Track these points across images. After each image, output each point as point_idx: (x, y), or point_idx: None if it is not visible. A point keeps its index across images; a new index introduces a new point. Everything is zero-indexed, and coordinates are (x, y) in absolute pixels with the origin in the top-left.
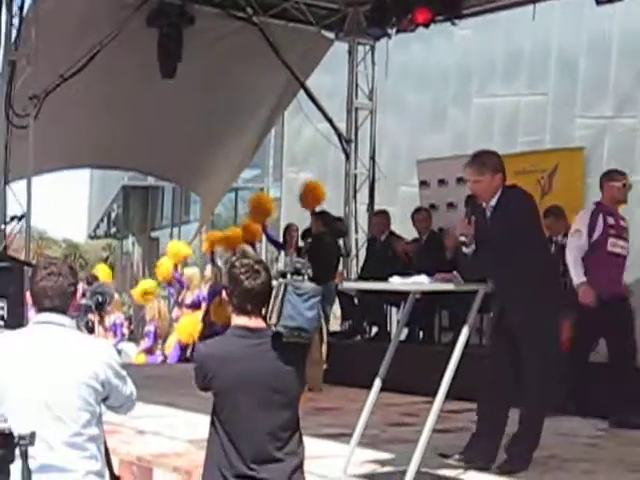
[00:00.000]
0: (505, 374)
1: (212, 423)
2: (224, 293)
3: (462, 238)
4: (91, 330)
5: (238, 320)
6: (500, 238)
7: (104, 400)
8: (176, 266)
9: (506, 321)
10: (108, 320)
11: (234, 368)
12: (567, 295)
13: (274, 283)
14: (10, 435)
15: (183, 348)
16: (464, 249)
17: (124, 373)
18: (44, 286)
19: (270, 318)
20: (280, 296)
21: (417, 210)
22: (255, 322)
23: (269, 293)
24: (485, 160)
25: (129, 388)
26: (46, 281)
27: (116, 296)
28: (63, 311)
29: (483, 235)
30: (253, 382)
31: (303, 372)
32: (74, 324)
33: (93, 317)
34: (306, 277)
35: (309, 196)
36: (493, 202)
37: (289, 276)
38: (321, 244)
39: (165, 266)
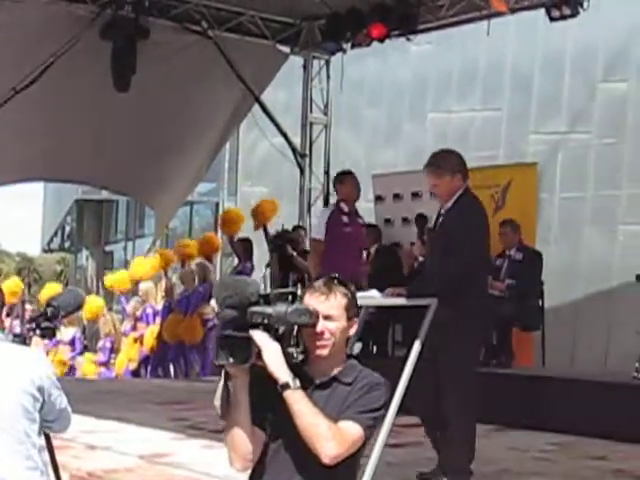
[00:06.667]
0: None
1: None
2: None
3: (421, 258)
4: (26, 344)
5: None
6: (443, 246)
7: (40, 410)
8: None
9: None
10: (66, 334)
11: None
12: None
13: None
14: None
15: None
16: None
17: (59, 385)
18: None
19: None
20: None
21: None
22: None
23: None
24: (441, 162)
25: (64, 401)
26: None
27: None
28: None
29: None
30: None
31: None
32: (4, 337)
33: (28, 332)
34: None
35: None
36: (450, 204)
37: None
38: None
39: (123, 278)
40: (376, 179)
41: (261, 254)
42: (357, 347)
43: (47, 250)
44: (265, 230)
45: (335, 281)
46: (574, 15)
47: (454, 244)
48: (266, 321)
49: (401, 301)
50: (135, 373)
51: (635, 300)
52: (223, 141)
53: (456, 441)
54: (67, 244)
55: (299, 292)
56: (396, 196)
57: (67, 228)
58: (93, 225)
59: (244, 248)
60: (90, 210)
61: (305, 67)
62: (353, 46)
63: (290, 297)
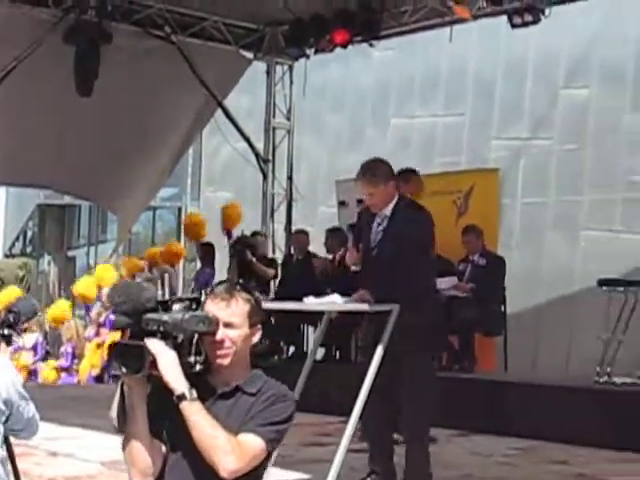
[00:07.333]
0: (386, 394)
1: None
2: None
3: (354, 267)
4: None
5: None
6: (394, 251)
7: (5, 421)
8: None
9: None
10: (28, 339)
11: None
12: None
13: None
14: None
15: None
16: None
17: (26, 394)
18: None
19: None
20: None
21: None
22: None
23: None
24: (375, 171)
25: (31, 410)
26: None
27: None
28: None
29: (375, 247)
30: None
31: None
32: None
33: None
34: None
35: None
36: (388, 211)
37: None
38: None
39: (86, 285)
40: (340, 184)
41: (222, 259)
42: (320, 352)
43: (9, 255)
44: (229, 235)
45: (238, 286)
46: (536, 22)
47: (411, 248)
48: (162, 329)
49: (362, 307)
50: (98, 379)
51: (596, 305)
52: (186, 146)
53: (415, 447)
54: (29, 249)
55: (203, 298)
56: (359, 201)
57: (29, 233)
58: (55, 230)
59: (204, 253)
60: (52, 215)
61: (268, 72)
62: (316, 52)
63: (194, 304)
